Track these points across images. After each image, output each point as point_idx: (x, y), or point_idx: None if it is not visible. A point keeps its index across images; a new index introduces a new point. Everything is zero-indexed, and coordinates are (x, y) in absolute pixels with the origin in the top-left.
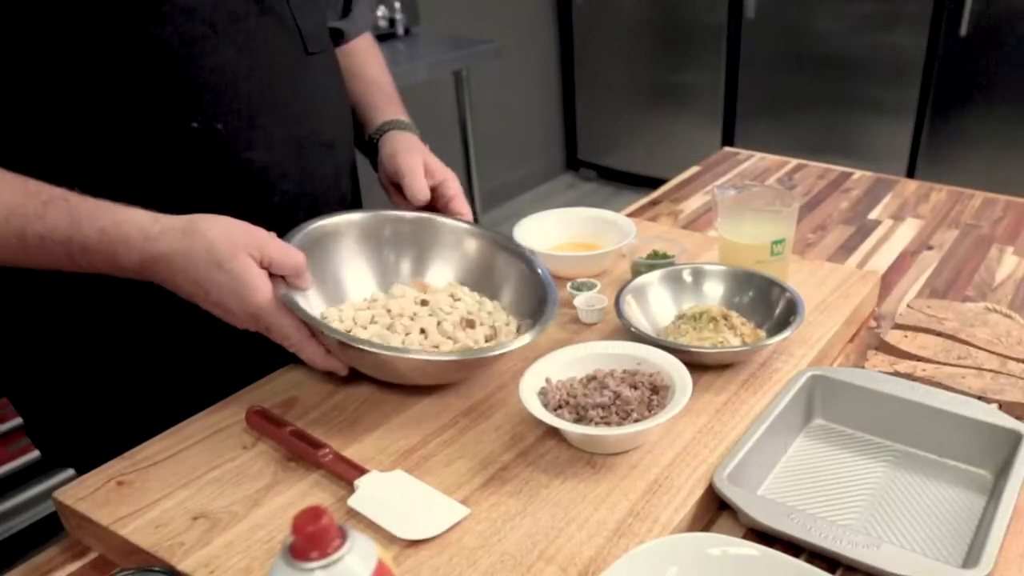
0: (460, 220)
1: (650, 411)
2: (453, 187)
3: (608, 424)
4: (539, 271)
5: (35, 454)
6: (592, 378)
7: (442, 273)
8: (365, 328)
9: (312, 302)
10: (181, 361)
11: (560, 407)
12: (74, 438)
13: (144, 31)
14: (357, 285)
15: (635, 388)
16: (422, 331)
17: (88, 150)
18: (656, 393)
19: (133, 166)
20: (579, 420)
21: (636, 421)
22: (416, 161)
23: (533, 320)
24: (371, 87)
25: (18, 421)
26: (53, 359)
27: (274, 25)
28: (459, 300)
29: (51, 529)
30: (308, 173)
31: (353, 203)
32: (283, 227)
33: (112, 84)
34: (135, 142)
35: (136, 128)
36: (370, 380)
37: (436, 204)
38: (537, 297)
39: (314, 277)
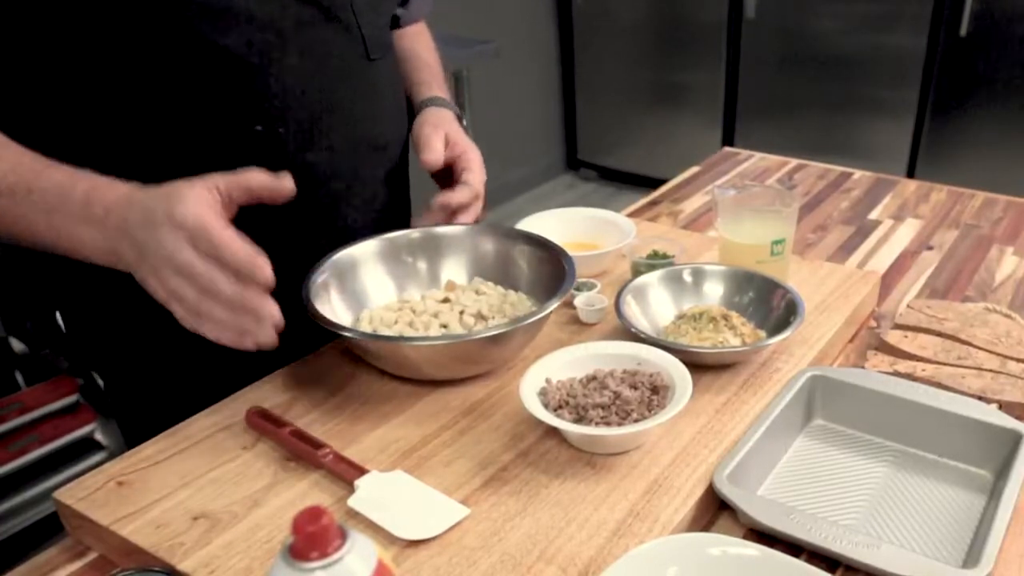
0: (463, 225)
1: (650, 411)
2: (469, 159)
3: (608, 424)
4: (553, 250)
5: (35, 454)
6: (592, 378)
7: (460, 274)
8: (389, 328)
9: (340, 315)
10: (182, 361)
11: (560, 407)
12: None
13: (211, 40)
14: (381, 299)
15: (635, 388)
16: (443, 326)
17: (148, 150)
18: (656, 393)
19: (192, 165)
20: (579, 420)
21: (636, 421)
22: (435, 133)
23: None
24: (421, 66)
25: (19, 420)
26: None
27: (339, 32)
28: (483, 295)
29: (51, 529)
30: (360, 173)
31: (402, 203)
32: (331, 223)
33: (179, 90)
34: (197, 144)
35: (199, 131)
36: (370, 380)
37: (454, 176)
38: (557, 278)
39: (341, 297)
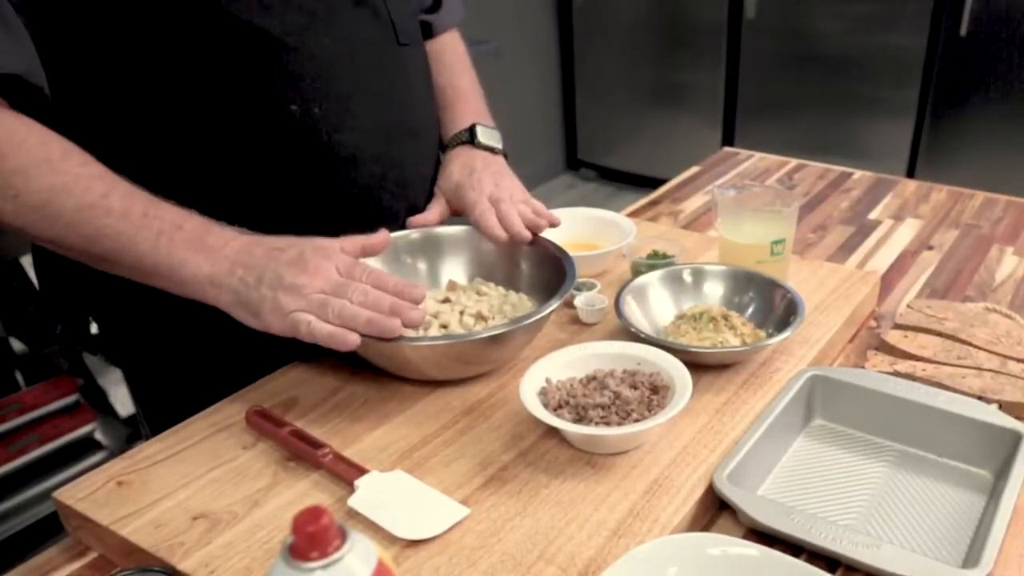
0: (464, 225)
1: (650, 411)
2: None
3: (608, 424)
4: (553, 250)
5: (35, 454)
6: (592, 378)
7: (460, 275)
8: None
9: None
10: (183, 361)
11: (560, 407)
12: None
13: (245, 20)
14: None
15: (635, 388)
16: (443, 326)
17: (186, 131)
18: (656, 393)
19: (229, 146)
20: (579, 420)
21: (636, 421)
22: (489, 212)
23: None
24: (459, 97)
25: (19, 420)
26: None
27: (368, 16)
28: (484, 294)
29: (51, 529)
30: (395, 158)
31: (433, 189)
32: (368, 209)
33: (216, 71)
34: (234, 124)
35: (237, 111)
36: (370, 380)
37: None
38: (558, 278)
39: None
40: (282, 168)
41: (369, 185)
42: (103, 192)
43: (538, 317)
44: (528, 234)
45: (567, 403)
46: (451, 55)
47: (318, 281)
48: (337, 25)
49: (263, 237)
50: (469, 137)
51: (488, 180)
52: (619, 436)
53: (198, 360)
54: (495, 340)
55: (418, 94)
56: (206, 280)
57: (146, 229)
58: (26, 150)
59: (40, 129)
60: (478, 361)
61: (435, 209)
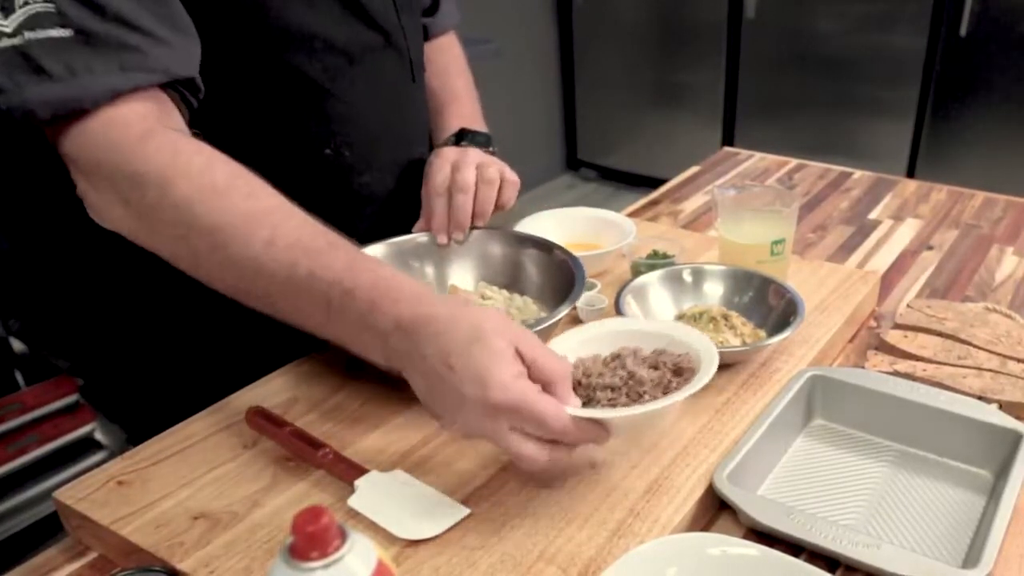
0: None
1: (665, 394)
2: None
3: (615, 407)
4: (559, 255)
5: (35, 454)
6: (616, 356)
7: (467, 278)
8: None
9: None
10: (183, 361)
11: (573, 388)
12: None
13: (293, 65)
14: None
15: (655, 368)
16: None
17: None
18: (679, 375)
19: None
20: (588, 403)
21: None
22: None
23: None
24: (453, 99)
25: (19, 420)
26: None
27: (394, 57)
28: (489, 299)
29: (51, 529)
30: (407, 189)
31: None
32: (377, 239)
33: (261, 115)
34: (270, 168)
35: (274, 155)
36: (371, 380)
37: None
38: (566, 283)
39: None
40: (308, 206)
41: (382, 218)
42: (267, 239)
43: (549, 323)
44: (460, 236)
45: (579, 383)
46: (447, 57)
47: (478, 432)
48: (368, 67)
49: (427, 322)
50: (455, 141)
51: (454, 152)
52: (624, 418)
53: (188, 368)
54: None
55: (424, 124)
56: (386, 362)
57: (313, 297)
58: (193, 175)
59: (204, 149)
60: None
61: (425, 208)
